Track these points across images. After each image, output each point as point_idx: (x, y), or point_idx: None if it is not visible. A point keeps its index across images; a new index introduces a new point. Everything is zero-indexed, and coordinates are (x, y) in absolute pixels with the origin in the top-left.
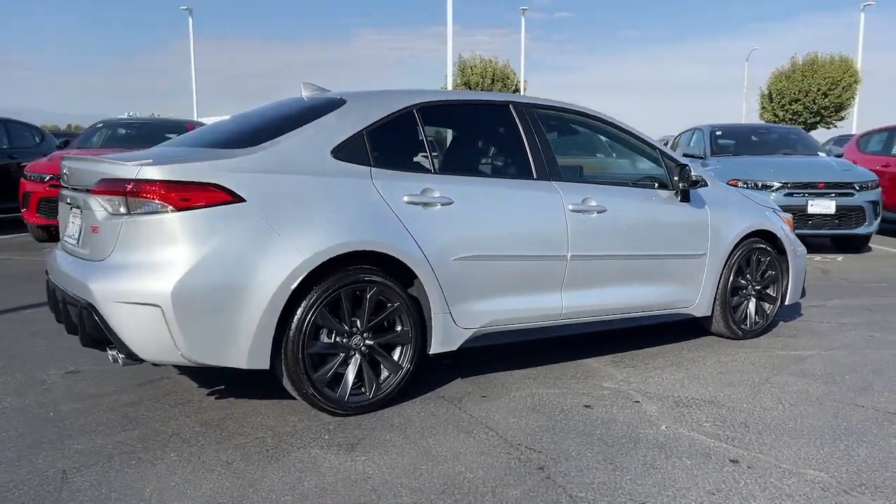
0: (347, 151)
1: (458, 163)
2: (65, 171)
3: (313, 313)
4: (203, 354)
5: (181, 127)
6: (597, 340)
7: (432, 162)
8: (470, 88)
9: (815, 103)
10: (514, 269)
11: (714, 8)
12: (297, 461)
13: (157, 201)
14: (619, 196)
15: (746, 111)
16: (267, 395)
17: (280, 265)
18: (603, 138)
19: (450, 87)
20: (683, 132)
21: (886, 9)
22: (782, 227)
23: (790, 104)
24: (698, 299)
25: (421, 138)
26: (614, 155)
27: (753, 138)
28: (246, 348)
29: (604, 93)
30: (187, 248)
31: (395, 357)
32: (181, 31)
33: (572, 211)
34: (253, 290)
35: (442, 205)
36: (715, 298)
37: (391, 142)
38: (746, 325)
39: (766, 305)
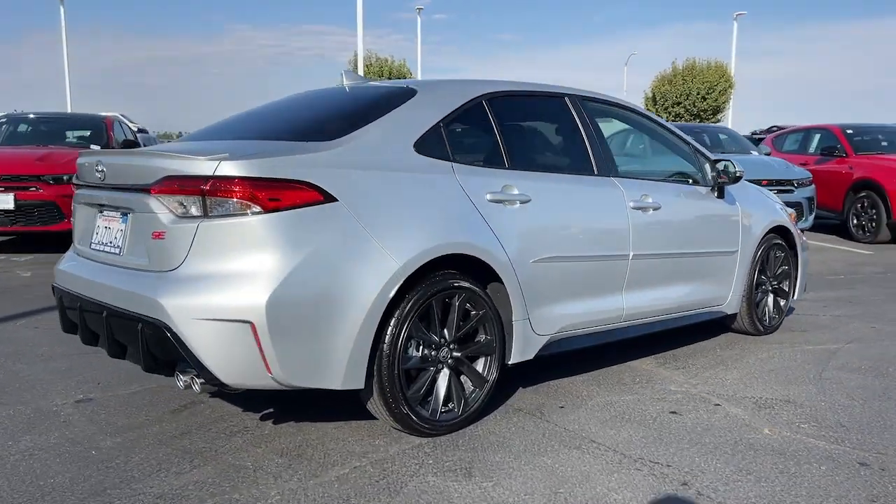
0: (428, 145)
1: (527, 158)
2: (98, 167)
3: (408, 324)
4: (297, 376)
5: (97, 122)
6: (628, 342)
7: (505, 156)
8: None
9: (695, 106)
10: (586, 270)
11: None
12: (421, 491)
13: (242, 201)
14: (669, 192)
15: None
16: (323, 417)
17: (377, 272)
18: (634, 132)
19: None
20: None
21: (758, 18)
22: (791, 223)
23: (672, 106)
24: (730, 296)
25: (493, 130)
26: (650, 150)
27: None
28: (343, 366)
29: None
30: (279, 254)
31: (480, 369)
32: (47, 21)
33: (633, 208)
34: (350, 300)
35: (521, 203)
36: (743, 295)
37: (466, 134)
38: (766, 320)
39: (781, 301)
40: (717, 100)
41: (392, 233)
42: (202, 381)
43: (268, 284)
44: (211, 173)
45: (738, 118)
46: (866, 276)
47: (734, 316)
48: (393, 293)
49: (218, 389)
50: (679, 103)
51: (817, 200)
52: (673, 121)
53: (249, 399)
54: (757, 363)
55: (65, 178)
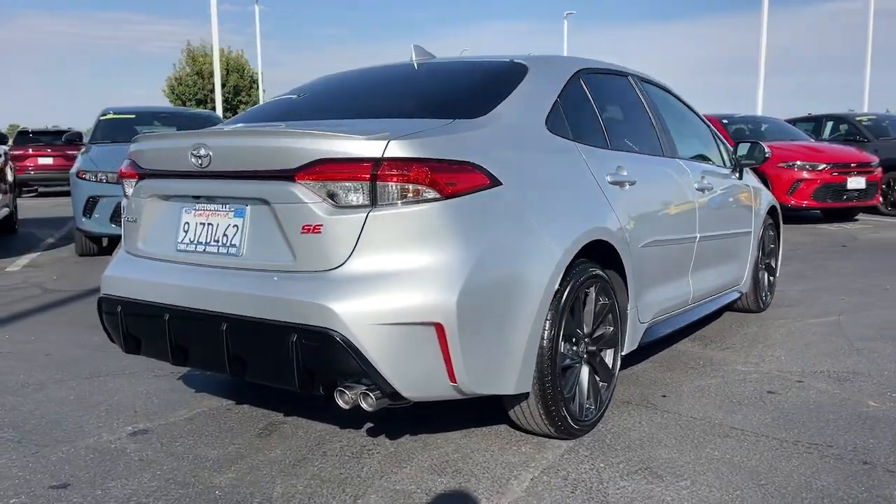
0: (553, 123)
1: (620, 137)
2: (197, 151)
3: (564, 318)
4: (479, 382)
5: None
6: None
7: (606, 135)
8: (203, 78)
9: None
10: (672, 254)
11: (413, 11)
12: (630, 499)
13: (419, 186)
14: (713, 174)
15: None
16: (420, 426)
17: (544, 261)
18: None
19: (182, 77)
20: None
21: (585, 18)
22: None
23: None
24: (746, 276)
25: (592, 108)
26: (682, 130)
27: None
28: (518, 367)
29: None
30: (463, 246)
31: (608, 362)
32: None
33: (696, 189)
34: (524, 293)
35: (629, 185)
36: (751, 274)
37: (575, 112)
38: (764, 297)
39: (771, 277)
40: None
41: (550, 218)
42: (377, 395)
43: (455, 280)
44: (380, 155)
45: None
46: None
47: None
48: (558, 284)
49: (397, 403)
50: None
51: None
52: None
53: (320, 412)
54: (787, 339)
55: None
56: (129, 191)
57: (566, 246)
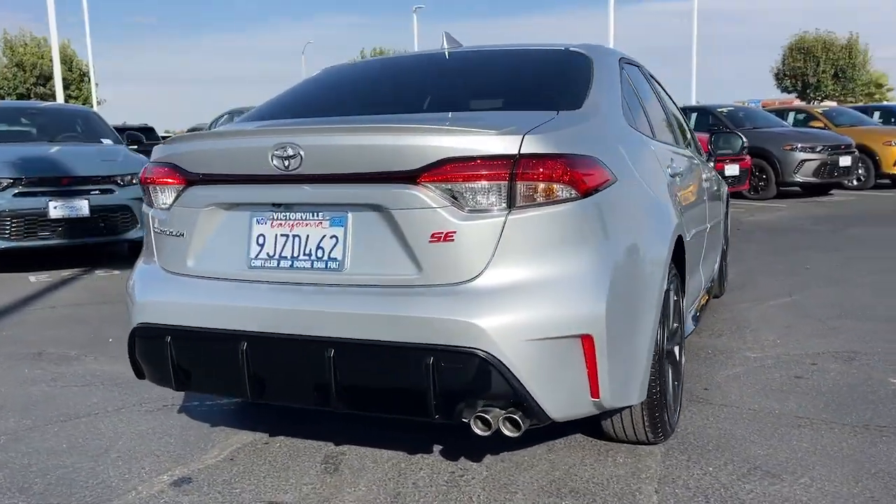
0: (624, 115)
1: (656, 127)
2: (284, 151)
3: (665, 319)
4: (617, 395)
5: None
6: None
7: (650, 126)
8: (24, 70)
9: None
10: (699, 246)
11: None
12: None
13: (558, 185)
14: (705, 165)
15: None
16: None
17: (657, 261)
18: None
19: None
20: (226, 113)
21: (436, 12)
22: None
23: None
24: (717, 263)
25: (637, 98)
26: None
27: None
28: (642, 376)
29: (131, 82)
30: (602, 247)
31: (679, 360)
32: None
33: (704, 180)
34: (647, 296)
35: (679, 177)
36: (719, 261)
37: (631, 102)
38: (724, 282)
39: (724, 263)
40: None
41: (652, 215)
42: (522, 419)
43: (601, 286)
44: (517, 152)
45: None
46: None
47: None
48: (666, 283)
49: (540, 424)
50: None
51: None
52: None
53: (371, 438)
54: (766, 323)
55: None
56: (166, 199)
57: (668, 244)
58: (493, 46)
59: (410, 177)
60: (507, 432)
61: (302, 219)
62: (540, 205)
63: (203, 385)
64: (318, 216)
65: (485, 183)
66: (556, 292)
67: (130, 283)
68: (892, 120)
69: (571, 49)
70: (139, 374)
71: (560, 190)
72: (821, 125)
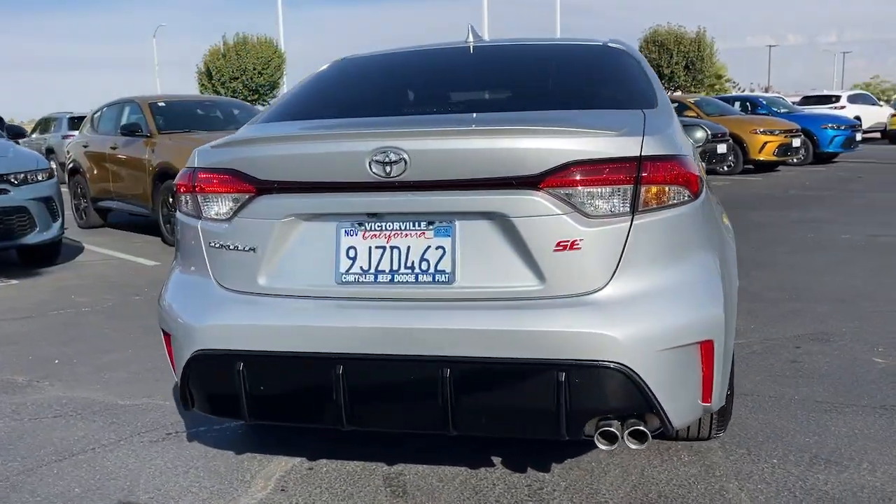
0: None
1: None
2: (386, 155)
3: None
4: (719, 397)
5: None
6: None
7: None
8: None
9: (252, 81)
10: None
11: None
12: (841, 497)
13: (677, 188)
14: None
15: (164, 87)
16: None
17: (734, 257)
18: None
19: None
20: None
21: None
22: None
23: (230, 82)
24: None
25: None
26: None
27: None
28: (729, 374)
29: None
30: (712, 250)
31: None
32: None
33: None
34: (735, 293)
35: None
36: None
37: None
38: None
39: None
40: (272, 76)
41: (718, 211)
42: (647, 431)
43: (717, 290)
44: (638, 153)
45: None
46: None
47: None
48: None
49: (668, 434)
50: (236, 78)
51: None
52: (231, 96)
53: (419, 453)
54: None
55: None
56: (222, 209)
57: (733, 239)
58: (523, 41)
59: (532, 182)
60: (631, 445)
61: (400, 229)
62: (660, 208)
63: (283, 414)
64: (419, 226)
65: (610, 187)
66: (682, 298)
67: (171, 305)
68: (750, 109)
69: (610, 45)
70: (189, 405)
71: (677, 192)
72: (693, 114)
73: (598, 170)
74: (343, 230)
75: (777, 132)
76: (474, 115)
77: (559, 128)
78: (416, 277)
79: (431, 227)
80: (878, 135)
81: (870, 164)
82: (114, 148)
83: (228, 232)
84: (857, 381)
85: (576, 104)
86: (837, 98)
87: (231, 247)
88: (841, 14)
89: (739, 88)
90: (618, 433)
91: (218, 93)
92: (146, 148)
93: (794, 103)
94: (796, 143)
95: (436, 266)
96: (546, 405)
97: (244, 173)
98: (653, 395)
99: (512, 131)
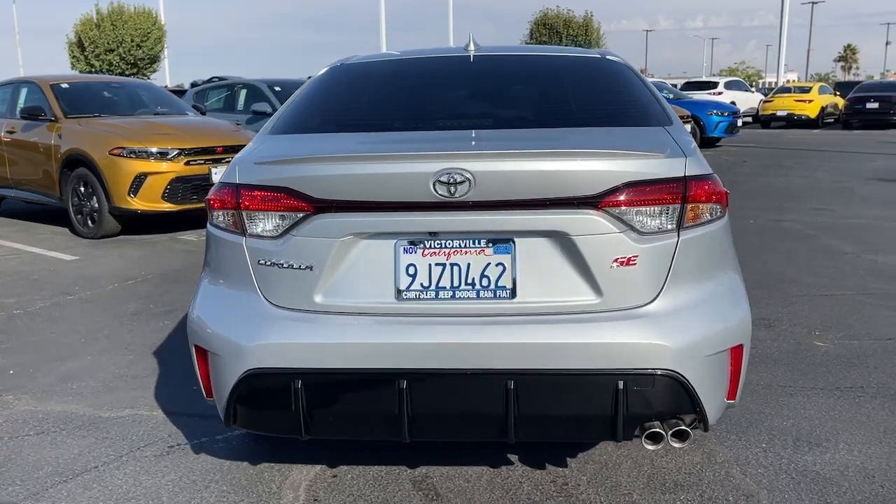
0: None
1: None
2: (451, 176)
3: None
4: (739, 394)
5: None
6: None
7: None
8: None
9: (130, 54)
10: None
11: None
12: (829, 475)
13: (712, 205)
14: None
15: (27, 57)
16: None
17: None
18: None
19: None
20: None
21: None
22: None
23: (105, 54)
24: None
25: None
26: None
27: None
28: None
29: None
30: (735, 261)
31: None
32: None
33: None
34: None
35: None
36: None
37: None
38: None
39: None
40: (152, 48)
41: None
42: (686, 429)
43: (743, 298)
44: (682, 174)
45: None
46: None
47: None
48: None
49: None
50: (112, 51)
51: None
52: (108, 70)
53: (444, 456)
54: None
55: None
56: (271, 226)
57: None
58: (521, 49)
59: (592, 201)
60: (675, 444)
61: (460, 247)
62: (701, 224)
63: (341, 429)
64: (478, 244)
65: (660, 206)
66: (720, 307)
67: (211, 322)
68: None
69: (609, 58)
70: (230, 422)
71: (712, 209)
72: None
73: (650, 190)
74: (402, 248)
75: None
76: (528, 132)
77: (614, 150)
78: (478, 293)
79: (491, 244)
80: (749, 119)
81: (750, 148)
82: (10, 132)
83: (281, 250)
84: (808, 365)
85: (605, 121)
86: (715, 84)
87: (285, 265)
88: (706, 1)
89: None
90: (663, 433)
91: (92, 66)
92: (51, 133)
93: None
94: (687, 129)
95: (496, 282)
96: (604, 411)
97: (300, 192)
98: (697, 397)
99: (572, 153)
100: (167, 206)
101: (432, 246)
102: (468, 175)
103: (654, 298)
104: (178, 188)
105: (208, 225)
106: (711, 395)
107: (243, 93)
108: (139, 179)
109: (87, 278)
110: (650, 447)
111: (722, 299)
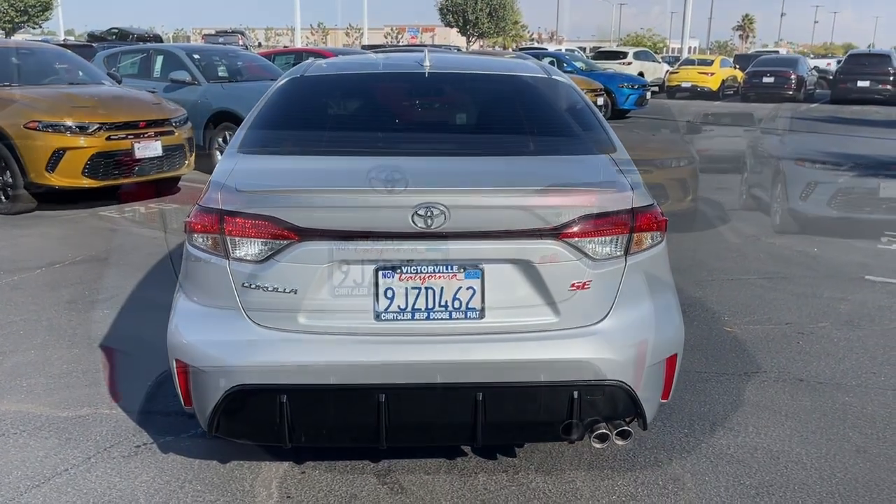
0: None
1: None
2: (428, 210)
3: None
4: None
5: None
6: None
7: None
8: None
9: (21, 1)
10: None
11: None
12: (753, 450)
13: (654, 232)
14: None
15: None
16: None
17: None
18: None
19: None
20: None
21: None
22: None
23: None
24: None
25: None
26: None
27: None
28: None
29: None
30: (670, 276)
31: None
32: None
33: None
34: None
35: None
36: None
37: None
38: None
39: None
40: None
41: None
42: (629, 429)
43: (678, 310)
44: (630, 206)
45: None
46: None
47: None
48: None
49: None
50: None
51: None
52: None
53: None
54: None
55: None
56: (253, 251)
57: None
58: (476, 67)
59: (553, 233)
60: (619, 442)
61: (434, 272)
62: (645, 249)
63: (323, 438)
64: (451, 269)
65: (611, 236)
66: (660, 322)
67: (194, 338)
68: (557, 67)
69: (555, 77)
70: (212, 431)
71: (654, 236)
72: None
73: (603, 222)
74: (381, 273)
75: (585, 92)
76: (494, 162)
77: (572, 187)
78: (451, 315)
79: (463, 270)
80: (656, 88)
81: (658, 119)
82: None
83: (266, 274)
84: (720, 351)
85: (561, 149)
86: (625, 55)
87: (269, 288)
88: None
89: (529, 33)
90: (609, 433)
91: None
92: None
93: (588, 57)
94: (600, 101)
95: (467, 304)
96: (561, 417)
97: (285, 221)
98: (640, 401)
99: (536, 190)
100: (88, 183)
101: (409, 271)
102: (443, 208)
103: (605, 317)
104: (100, 164)
105: (188, 245)
106: (651, 399)
107: (159, 59)
108: (57, 155)
109: (10, 261)
110: (598, 445)
111: (661, 315)
